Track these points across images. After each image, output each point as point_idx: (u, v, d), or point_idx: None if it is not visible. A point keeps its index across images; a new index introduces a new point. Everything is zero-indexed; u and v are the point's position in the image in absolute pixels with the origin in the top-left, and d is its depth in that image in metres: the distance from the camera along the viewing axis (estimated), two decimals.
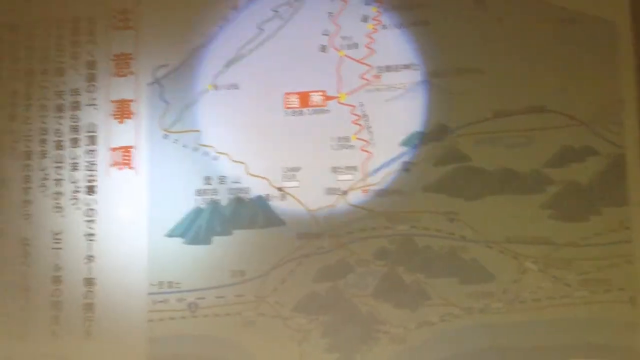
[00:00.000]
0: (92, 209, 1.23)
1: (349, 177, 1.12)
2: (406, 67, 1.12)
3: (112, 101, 1.24)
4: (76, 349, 1.20)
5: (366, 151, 1.12)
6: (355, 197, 1.11)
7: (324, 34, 1.16)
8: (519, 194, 1.06)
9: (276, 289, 1.12)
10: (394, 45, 1.14)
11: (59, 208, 1.25)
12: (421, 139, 1.10)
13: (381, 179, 1.11)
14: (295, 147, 1.15)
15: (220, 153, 1.18)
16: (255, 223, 1.15)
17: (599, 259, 1.03)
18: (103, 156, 1.24)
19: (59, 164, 1.26)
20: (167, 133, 1.21)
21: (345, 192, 1.12)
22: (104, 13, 1.25)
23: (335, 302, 1.09)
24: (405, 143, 1.11)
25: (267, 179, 1.16)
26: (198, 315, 1.15)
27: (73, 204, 1.24)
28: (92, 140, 1.25)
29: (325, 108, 1.15)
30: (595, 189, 1.04)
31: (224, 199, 1.17)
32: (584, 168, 1.05)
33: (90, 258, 1.22)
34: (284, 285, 1.12)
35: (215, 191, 1.18)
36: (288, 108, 1.17)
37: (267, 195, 1.15)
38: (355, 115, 1.13)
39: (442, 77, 1.11)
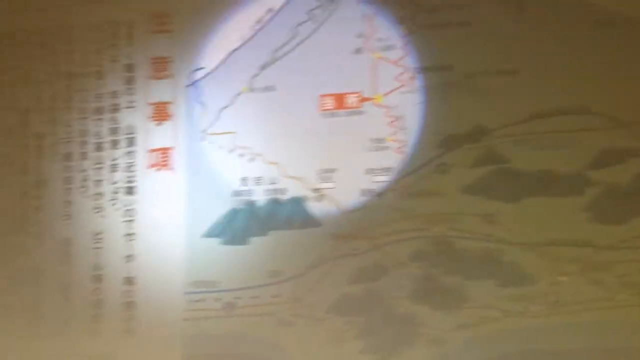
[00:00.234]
0: (131, 210, 1.25)
1: (384, 178, 1.12)
2: (442, 68, 1.12)
3: (151, 103, 1.26)
4: (116, 346, 1.22)
5: (402, 153, 1.12)
6: (391, 198, 1.11)
7: (358, 37, 1.17)
8: (558, 196, 1.05)
9: (312, 289, 1.13)
10: (430, 46, 1.14)
11: (99, 208, 1.27)
12: (458, 141, 1.10)
13: (417, 181, 1.11)
14: (330, 148, 1.16)
15: (256, 154, 1.20)
16: (291, 224, 1.16)
17: None
18: (142, 157, 1.26)
19: (99, 166, 1.28)
20: (204, 135, 1.23)
21: (380, 194, 1.12)
22: (142, 17, 1.27)
23: (370, 304, 1.09)
24: (441, 145, 1.11)
25: (303, 180, 1.16)
26: (234, 315, 1.16)
27: (112, 205, 1.27)
28: (131, 142, 1.27)
29: (361, 109, 1.15)
30: (635, 191, 1.03)
31: (260, 200, 1.19)
32: (624, 170, 1.04)
33: (129, 257, 1.24)
34: (320, 286, 1.12)
35: (251, 192, 1.19)
36: (323, 110, 1.17)
37: (303, 196, 1.16)
38: (391, 116, 1.14)
39: (479, 78, 1.10)
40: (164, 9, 1.26)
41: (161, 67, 1.26)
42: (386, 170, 1.12)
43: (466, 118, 1.10)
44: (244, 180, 1.20)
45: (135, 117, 1.27)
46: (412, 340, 1.07)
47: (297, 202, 1.16)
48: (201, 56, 1.24)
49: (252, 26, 1.22)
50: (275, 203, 1.18)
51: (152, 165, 1.25)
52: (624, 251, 1.02)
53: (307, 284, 1.13)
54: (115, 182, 1.27)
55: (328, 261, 1.12)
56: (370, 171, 1.13)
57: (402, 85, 1.14)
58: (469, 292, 1.06)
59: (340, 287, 1.11)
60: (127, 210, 1.26)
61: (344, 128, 1.15)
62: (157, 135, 1.26)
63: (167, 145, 1.25)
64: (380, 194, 1.12)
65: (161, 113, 1.26)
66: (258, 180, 1.19)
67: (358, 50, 1.16)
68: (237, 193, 1.20)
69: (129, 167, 1.27)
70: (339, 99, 1.17)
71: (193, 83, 1.24)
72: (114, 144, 1.28)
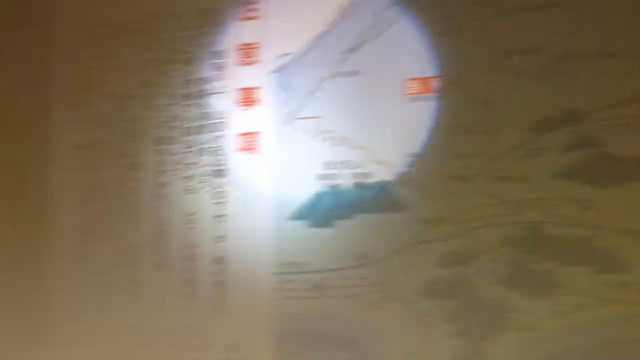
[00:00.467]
0: (220, 192, 1.30)
1: (472, 162, 1.11)
2: (532, 50, 1.10)
3: (238, 89, 1.30)
4: (208, 323, 1.28)
5: (490, 137, 1.11)
6: (480, 183, 1.10)
7: None
8: None
9: (399, 273, 1.14)
10: (520, 28, 1.11)
11: (190, 190, 1.32)
12: (550, 124, 1.08)
13: (507, 165, 1.09)
14: (416, 132, 1.16)
15: (342, 139, 1.21)
16: (376, 208, 1.17)
17: None
18: (230, 141, 1.30)
19: (189, 149, 1.33)
20: (291, 119, 1.25)
21: (469, 178, 1.11)
22: (231, 5, 1.30)
23: (460, 289, 1.09)
24: (532, 128, 1.09)
25: (389, 165, 1.17)
26: (322, 296, 1.19)
27: (203, 187, 1.31)
28: (220, 126, 1.31)
29: (447, 93, 1.14)
30: None
31: (345, 183, 1.20)
32: None
33: (219, 238, 1.29)
34: (408, 270, 1.13)
35: (336, 176, 1.21)
36: (409, 94, 1.17)
37: (389, 180, 1.17)
38: (478, 100, 1.12)
39: (572, 60, 1.07)
40: None
41: (249, 54, 1.29)
42: (474, 154, 1.11)
43: (558, 101, 1.07)
44: (329, 164, 1.21)
45: (223, 102, 1.31)
46: (502, 325, 1.06)
47: (383, 186, 1.17)
48: (288, 42, 1.25)
49: (338, 11, 1.23)
50: (360, 187, 1.19)
51: (240, 149, 1.29)
52: None
53: (395, 268, 1.14)
54: (205, 165, 1.31)
55: (415, 245, 1.13)
56: (458, 156, 1.12)
57: (489, 68, 1.12)
58: (562, 279, 1.04)
59: (428, 271, 1.12)
60: (217, 192, 1.30)
61: (430, 112, 1.15)
62: (245, 120, 1.29)
63: (254, 130, 1.28)
64: (468, 179, 1.11)
65: (249, 98, 1.29)
66: (343, 164, 1.20)
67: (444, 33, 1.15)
68: (323, 177, 1.22)
69: (218, 150, 1.31)
70: (425, 83, 1.16)
71: (280, 69, 1.26)
72: (204, 128, 1.32)
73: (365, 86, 1.20)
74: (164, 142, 1.35)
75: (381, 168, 1.17)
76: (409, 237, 1.13)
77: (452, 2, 1.15)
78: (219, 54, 1.31)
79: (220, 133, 1.30)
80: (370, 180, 1.18)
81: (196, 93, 1.33)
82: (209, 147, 1.31)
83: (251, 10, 1.28)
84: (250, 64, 1.29)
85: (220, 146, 1.30)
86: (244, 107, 1.29)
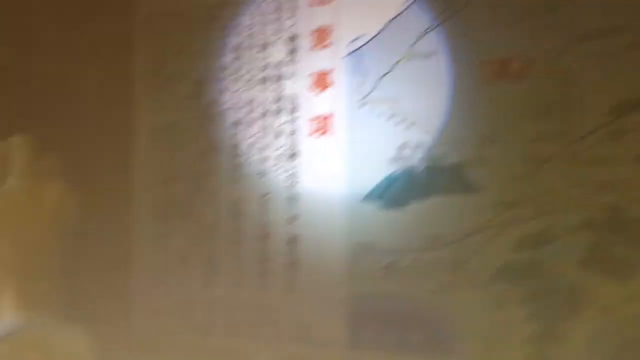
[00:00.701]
0: (294, 174, 1.32)
1: (551, 145, 1.09)
2: (615, 30, 1.07)
3: (312, 73, 1.32)
4: (282, 301, 1.31)
5: (569, 119, 1.09)
6: (559, 165, 1.09)
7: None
8: None
9: (473, 255, 1.14)
10: (601, 7, 1.08)
11: (265, 172, 1.36)
12: (633, 106, 1.05)
13: (587, 148, 1.07)
14: (492, 115, 1.15)
15: (416, 121, 1.21)
16: (450, 190, 1.17)
17: None
18: (304, 124, 1.32)
19: (264, 132, 1.36)
20: (364, 102, 1.26)
21: (546, 161, 1.10)
22: None
23: (535, 271, 1.08)
24: (614, 110, 1.06)
25: (463, 147, 1.16)
26: (395, 277, 1.20)
27: (277, 169, 1.34)
28: (294, 109, 1.33)
29: (525, 76, 1.13)
30: None
31: (418, 165, 1.21)
32: None
33: (293, 218, 1.32)
34: (482, 252, 1.13)
35: (410, 158, 1.21)
36: (485, 76, 1.16)
37: (463, 162, 1.16)
38: (558, 82, 1.10)
39: None
40: None
41: (322, 37, 1.31)
42: (553, 136, 1.09)
43: None
44: (403, 146, 1.22)
45: (297, 86, 1.33)
46: (579, 309, 1.05)
47: (457, 168, 1.17)
48: (361, 24, 1.26)
49: None
50: (434, 169, 1.19)
51: (314, 132, 1.31)
52: None
53: (469, 250, 1.14)
54: (279, 148, 1.34)
55: (490, 228, 1.13)
56: (536, 138, 1.11)
57: (569, 49, 1.10)
58: None
59: (503, 253, 1.11)
60: (291, 174, 1.33)
61: (507, 95, 1.14)
62: (319, 103, 1.31)
63: (327, 113, 1.30)
64: (546, 161, 1.10)
65: (322, 81, 1.31)
66: (417, 147, 1.21)
67: (523, 14, 1.14)
68: (396, 159, 1.22)
69: (292, 133, 1.33)
70: (502, 65, 1.15)
71: (353, 52, 1.27)
72: (278, 111, 1.35)
73: (441, 68, 1.19)
74: (240, 125, 1.39)
75: (456, 150, 1.17)
76: (484, 220, 1.13)
77: None
78: (293, 38, 1.33)
79: (294, 116, 1.33)
80: (444, 162, 1.18)
81: (271, 77, 1.36)
82: (283, 130, 1.34)
83: None
84: (323, 47, 1.30)
85: (294, 129, 1.33)
86: (317, 91, 1.31)
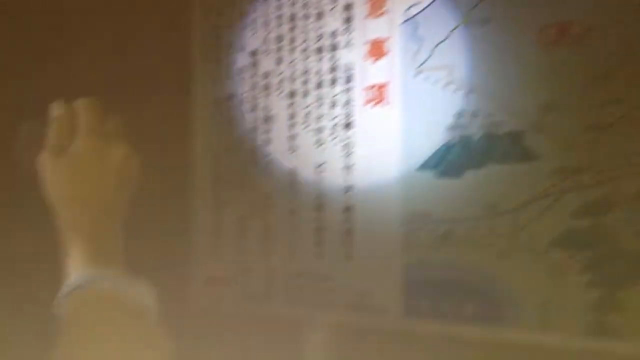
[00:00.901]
0: (349, 143, 1.33)
1: (612, 110, 1.06)
2: None
3: (367, 41, 1.31)
4: (338, 269, 1.33)
5: (632, 84, 1.06)
6: (619, 132, 1.06)
7: None
8: None
9: (531, 223, 1.12)
10: None
11: (320, 142, 1.37)
12: None
13: None
14: (551, 81, 1.12)
15: (472, 88, 1.20)
16: (508, 158, 1.16)
17: None
18: (359, 94, 1.32)
19: (319, 102, 1.37)
20: (420, 70, 1.25)
21: (607, 127, 1.07)
22: None
23: (596, 239, 1.06)
24: None
25: (521, 114, 1.14)
26: (450, 246, 1.20)
27: (332, 139, 1.35)
28: (349, 79, 1.33)
29: (584, 41, 1.10)
30: None
31: (475, 133, 1.19)
32: None
33: (348, 188, 1.32)
34: (540, 220, 1.11)
35: (467, 126, 1.20)
36: (544, 41, 1.13)
37: (521, 130, 1.15)
38: (621, 46, 1.07)
39: None
40: None
41: (377, 5, 1.30)
42: (614, 102, 1.06)
43: None
44: (459, 114, 1.21)
45: (353, 55, 1.33)
46: None
47: (515, 136, 1.15)
48: None
49: None
50: (491, 137, 1.18)
51: (369, 101, 1.31)
52: None
53: (526, 218, 1.12)
54: (334, 118, 1.35)
55: (549, 195, 1.11)
56: (596, 104, 1.08)
57: (629, 12, 1.06)
58: None
59: (562, 221, 1.09)
60: (346, 144, 1.33)
61: (567, 60, 1.11)
62: (374, 72, 1.30)
63: (383, 81, 1.30)
64: (607, 127, 1.07)
65: (377, 50, 1.30)
66: (474, 114, 1.19)
67: None
68: (452, 127, 1.21)
69: (347, 103, 1.33)
70: (562, 29, 1.12)
71: (409, 19, 1.26)
72: (333, 81, 1.35)
73: (498, 33, 1.17)
74: (295, 95, 1.40)
75: (513, 117, 1.15)
76: (542, 187, 1.11)
77: None
78: (348, 7, 1.33)
79: (350, 85, 1.33)
80: (502, 130, 1.16)
81: (326, 46, 1.36)
82: (338, 100, 1.34)
83: None
84: (378, 15, 1.30)
85: (349, 98, 1.33)
86: (373, 60, 1.30)
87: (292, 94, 1.40)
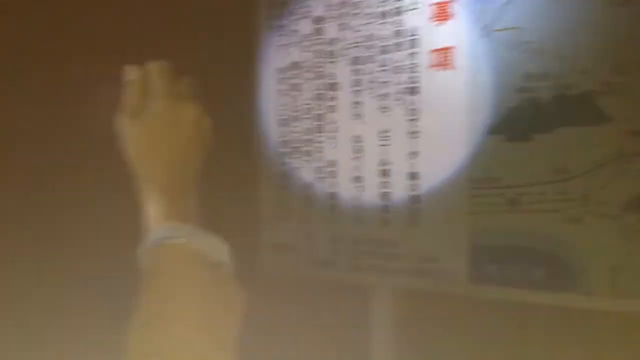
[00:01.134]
0: (415, 109, 1.32)
1: None
2: None
3: (432, 3, 1.29)
4: (404, 235, 1.33)
5: None
6: None
7: None
8: None
9: (602, 187, 1.09)
10: None
11: (384, 108, 1.36)
12: None
13: None
14: (624, 40, 1.08)
15: (542, 50, 1.16)
16: (578, 120, 1.12)
17: None
18: (424, 58, 1.31)
19: (384, 68, 1.36)
20: (487, 32, 1.22)
21: None
22: None
23: None
24: None
25: (592, 75, 1.10)
26: (519, 211, 1.18)
27: (397, 105, 1.34)
28: (414, 43, 1.32)
29: None
30: None
31: (545, 96, 1.16)
32: None
33: (413, 154, 1.32)
34: (611, 184, 1.08)
35: (536, 88, 1.17)
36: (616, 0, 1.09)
37: (592, 91, 1.11)
38: None
39: None
40: None
41: None
42: None
43: None
44: (528, 76, 1.18)
45: (417, 19, 1.31)
46: None
47: (586, 97, 1.11)
48: None
49: None
50: (561, 99, 1.14)
51: (435, 65, 1.29)
52: None
53: (597, 182, 1.09)
54: (399, 83, 1.34)
55: (621, 158, 1.07)
56: None
57: None
58: None
59: (635, 184, 1.05)
60: (411, 109, 1.32)
61: (638, 17, 1.07)
62: (439, 35, 1.28)
63: (448, 45, 1.27)
64: None
65: (443, 12, 1.28)
66: (543, 76, 1.16)
67: None
68: (522, 89, 1.18)
69: (413, 68, 1.32)
70: None
71: None
72: (398, 46, 1.34)
73: None
74: (359, 61, 1.40)
75: (584, 79, 1.11)
76: (614, 150, 1.08)
77: None
78: None
79: (415, 50, 1.32)
80: (573, 91, 1.13)
81: (390, 11, 1.35)
82: (404, 65, 1.33)
83: None
84: None
85: (414, 63, 1.32)
86: (438, 22, 1.28)
87: (356, 60, 1.40)
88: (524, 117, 1.18)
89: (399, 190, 1.34)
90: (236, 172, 1.55)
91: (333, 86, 1.44)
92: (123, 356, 0.61)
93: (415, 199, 1.31)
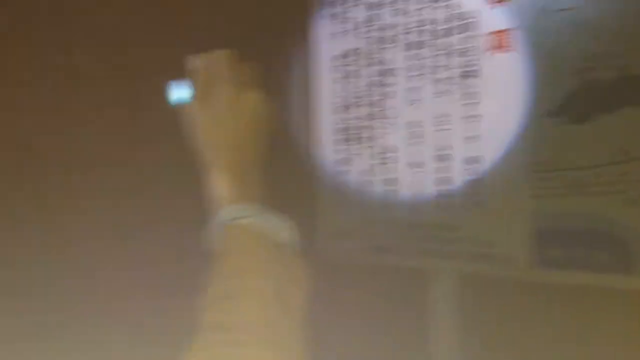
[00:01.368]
0: (472, 93, 1.31)
1: None
2: None
3: None
4: (464, 220, 1.33)
5: None
6: None
7: None
8: None
9: None
10: None
11: (441, 93, 1.35)
12: None
13: None
14: None
15: (604, 29, 1.14)
16: None
17: None
18: (481, 41, 1.29)
19: (439, 52, 1.36)
20: (545, 13, 1.20)
21: None
22: None
23: None
24: None
25: None
26: (581, 193, 1.16)
27: (454, 89, 1.34)
28: (470, 26, 1.31)
29: None
30: None
31: (606, 76, 1.14)
32: None
33: (473, 138, 1.31)
34: None
35: (597, 69, 1.15)
36: None
37: None
38: None
39: None
40: None
41: None
42: None
43: None
44: (588, 57, 1.15)
45: (473, 1, 1.30)
46: None
47: None
48: None
49: None
50: (623, 79, 1.12)
51: (492, 48, 1.28)
52: None
53: None
54: (455, 67, 1.33)
55: None
56: None
57: None
58: None
59: None
60: (469, 93, 1.31)
61: None
62: (496, 18, 1.27)
63: (506, 27, 1.26)
64: None
65: None
66: (605, 56, 1.14)
67: None
68: (582, 70, 1.16)
69: (469, 51, 1.31)
70: None
71: None
72: (453, 29, 1.33)
73: None
74: (414, 47, 1.39)
75: None
76: None
77: None
78: None
79: (471, 33, 1.30)
80: (635, 71, 1.10)
81: None
82: (460, 49, 1.32)
83: None
84: None
85: (471, 46, 1.31)
86: (495, 4, 1.27)
87: (410, 46, 1.40)
88: (585, 99, 1.16)
89: (459, 175, 1.33)
90: (294, 159, 1.57)
91: (387, 72, 1.44)
92: (197, 331, 0.63)
93: (476, 184, 1.31)
